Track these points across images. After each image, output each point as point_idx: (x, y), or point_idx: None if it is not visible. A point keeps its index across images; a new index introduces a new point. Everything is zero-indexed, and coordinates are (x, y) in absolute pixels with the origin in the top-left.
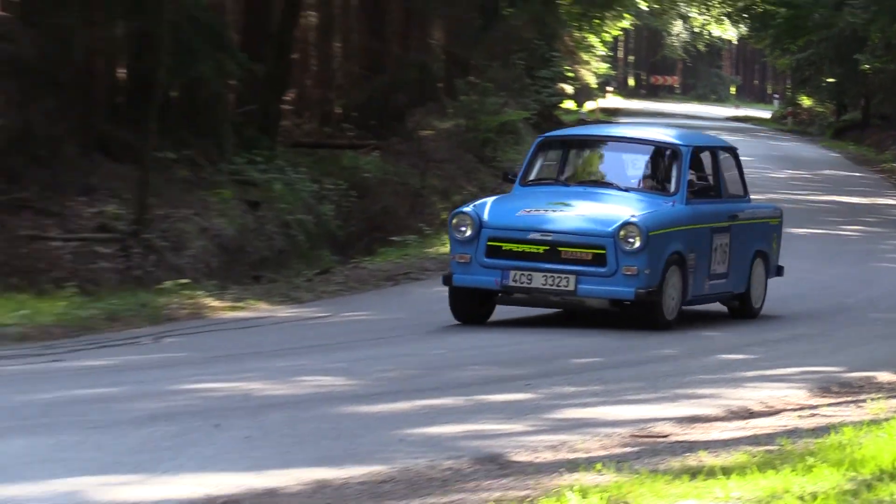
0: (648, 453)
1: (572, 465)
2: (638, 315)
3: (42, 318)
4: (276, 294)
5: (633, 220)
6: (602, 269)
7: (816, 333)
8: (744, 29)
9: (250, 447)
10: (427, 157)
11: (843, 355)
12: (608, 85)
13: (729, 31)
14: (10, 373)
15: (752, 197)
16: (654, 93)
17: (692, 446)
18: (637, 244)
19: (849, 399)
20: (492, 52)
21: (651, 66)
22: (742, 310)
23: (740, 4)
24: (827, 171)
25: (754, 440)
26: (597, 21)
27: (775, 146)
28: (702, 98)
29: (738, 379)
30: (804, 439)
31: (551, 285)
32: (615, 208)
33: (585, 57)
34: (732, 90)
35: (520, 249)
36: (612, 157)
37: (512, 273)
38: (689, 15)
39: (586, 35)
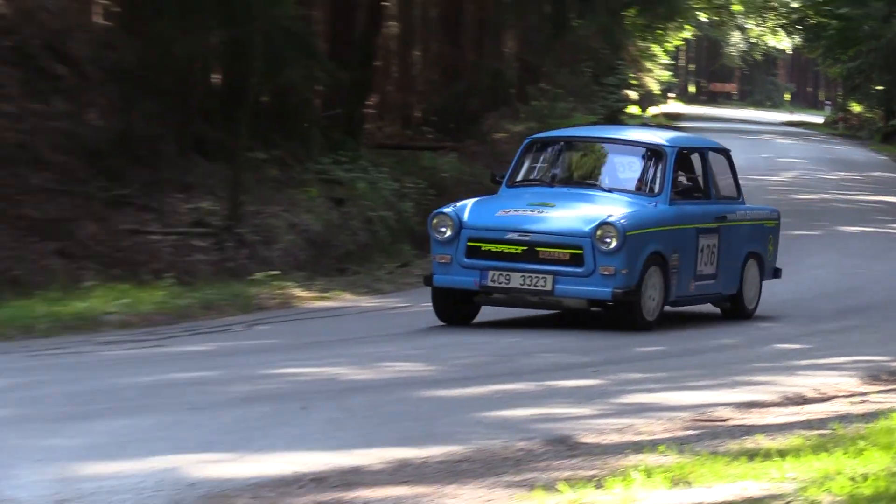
0: (709, 436)
1: (637, 447)
2: (617, 316)
3: (143, 307)
4: (359, 285)
5: (610, 219)
6: (579, 269)
7: (866, 325)
8: (798, 39)
9: (336, 428)
10: (500, 158)
11: (893, 345)
12: (670, 91)
13: (783, 42)
14: (113, 357)
15: (773, 200)
16: (713, 99)
17: (750, 430)
18: (614, 244)
19: None
20: (561, 60)
21: (710, 73)
22: (734, 311)
23: (794, 17)
24: (876, 173)
25: (808, 425)
26: (660, 32)
27: (827, 149)
28: (758, 104)
29: (792, 367)
30: (855, 424)
31: (529, 285)
32: (595, 209)
33: (649, 65)
34: (787, 97)
35: (498, 250)
36: (599, 158)
37: (490, 273)
38: (746, 26)
39: (650, 45)
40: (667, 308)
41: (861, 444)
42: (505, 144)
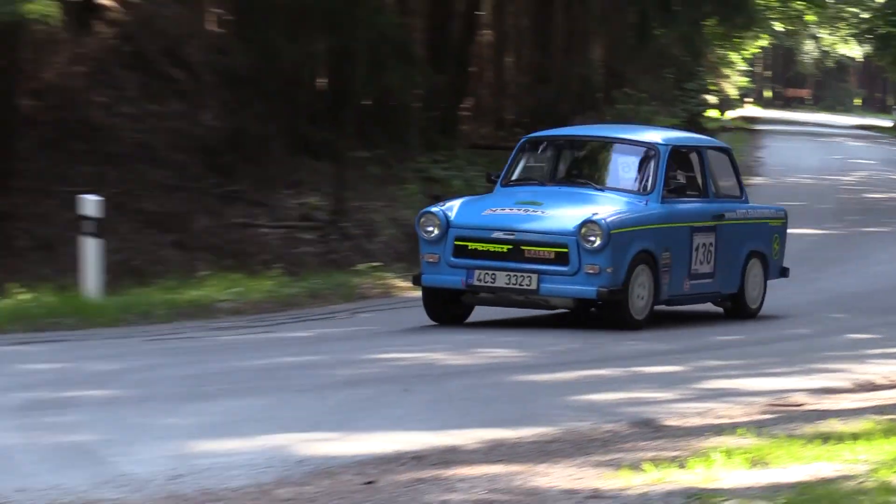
0: (785, 420)
1: (717, 430)
2: (605, 315)
3: (253, 295)
4: None
5: (595, 218)
6: (565, 268)
7: None
8: (868, 48)
9: (434, 409)
10: None
11: None
12: (747, 96)
13: (854, 50)
14: (225, 342)
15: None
16: (787, 104)
17: (823, 414)
18: (598, 242)
19: None
20: (645, 67)
21: (785, 79)
22: (735, 311)
23: (864, 27)
24: None
25: (879, 410)
26: (737, 40)
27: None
28: (830, 108)
29: (864, 356)
30: None
31: (514, 284)
32: (582, 207)
33: (727, 71)
34: (857, 101)
35: (484, 249)
36: (592, 157)
37: (476, 272)
38: (819, 36)
39: (728, 52)
40: (647, 308)
41: None
42: None
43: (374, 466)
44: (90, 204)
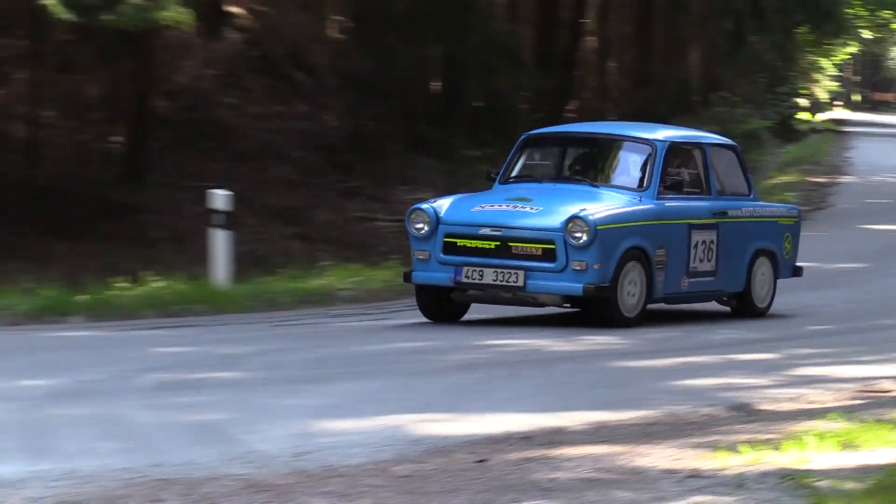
0: (874, 405)
1: (809, 414)
2: (594, 312)
3: (371, 284)
4: None
5: (581, 214)
6: (552, 265)
7: None
8: None
9: (540, 393)
10: None
11: None
12: (836, 100)
13: None
14: (344, 328)
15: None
16: (875, 107)
17: None
18: (584, 238)
19: None
20: (739, 71)
21: (873, 84)
22: (742, 309)
23: None
24: None
25: None
26: (827, 47)
27: None
28: None
29: None
30: None
31: (501, 281)
32: (572, 203)
33: (817, 76)
34: None
35: (473, 245)
36: (590, 154)
37: (465, 269)
38: None
39: (818, 58)
40: (639, 306)
41: None
42: None
43: (484, 446)
44: (219, 198)
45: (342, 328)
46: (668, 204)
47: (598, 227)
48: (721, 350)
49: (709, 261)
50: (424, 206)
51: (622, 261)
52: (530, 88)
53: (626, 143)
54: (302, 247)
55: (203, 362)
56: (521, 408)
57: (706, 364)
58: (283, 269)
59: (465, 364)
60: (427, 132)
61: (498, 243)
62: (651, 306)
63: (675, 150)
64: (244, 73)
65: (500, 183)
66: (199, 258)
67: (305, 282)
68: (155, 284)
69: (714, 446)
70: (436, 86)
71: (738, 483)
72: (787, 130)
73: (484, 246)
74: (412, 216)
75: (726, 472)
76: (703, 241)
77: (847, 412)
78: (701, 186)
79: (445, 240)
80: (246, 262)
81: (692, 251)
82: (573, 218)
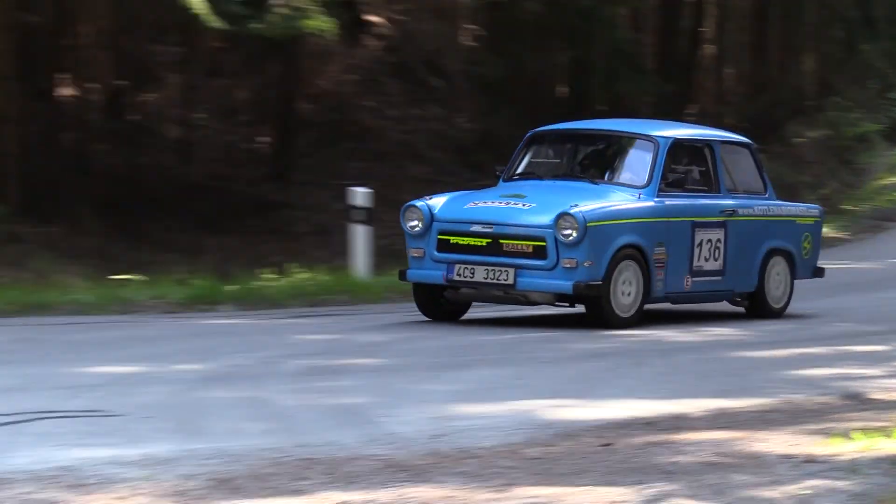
0: None
1: None
2: (587, 311)
3: None
4: None
5: (572, 210)
6: (543, 262)
7: None
8: None
9: (664, 381)
10: (799, 159)
11: None
12: None
13: None
14: (478, 318)
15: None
16: None
17: None
18: (574, 235)
19: None
20: (852, 78)
21: None
22: (755, 310)
23: None
24: None
25: None
26: None
27: None
28: None
29: None
30: None
31: (492, 279)
32: (565, 200)
33: None
34: None
35: (465, 243)
36: (593, 150)
37: (457, 267)
38: None
39: None
40: (635, 306)
41: None
42: (804, 148)
43: (610, 430)
44: (360, 195)
45: (475, 318)
46: (670, 202)
47: (589, 224)
48: (835, 342)
49: (715, 260)
50: (418, 203)
51: (616, 259)
52: (651, 93)
53: (628, 140)
54: None
55: (344, 349)
56: (644, 395)
57: (821, 355)
58: None
59: (593, 353)
60: None
61: (489, 240)
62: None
63: (680, 148)
64: (383, 77)
65: (504, 180)
66: (340, 251)
67: None
68: (299, 276)
69: (828, 433)
70: (562, 90)
71: (852, 468)
72: None
73: (476, 243)
74: (406, 213)
75: (840, 458)
76: (710, 240)
77: None
78: (709, 184)
79: (439, 237)
80: (384, 255)
81: (696, 250)
82: (563, 214)
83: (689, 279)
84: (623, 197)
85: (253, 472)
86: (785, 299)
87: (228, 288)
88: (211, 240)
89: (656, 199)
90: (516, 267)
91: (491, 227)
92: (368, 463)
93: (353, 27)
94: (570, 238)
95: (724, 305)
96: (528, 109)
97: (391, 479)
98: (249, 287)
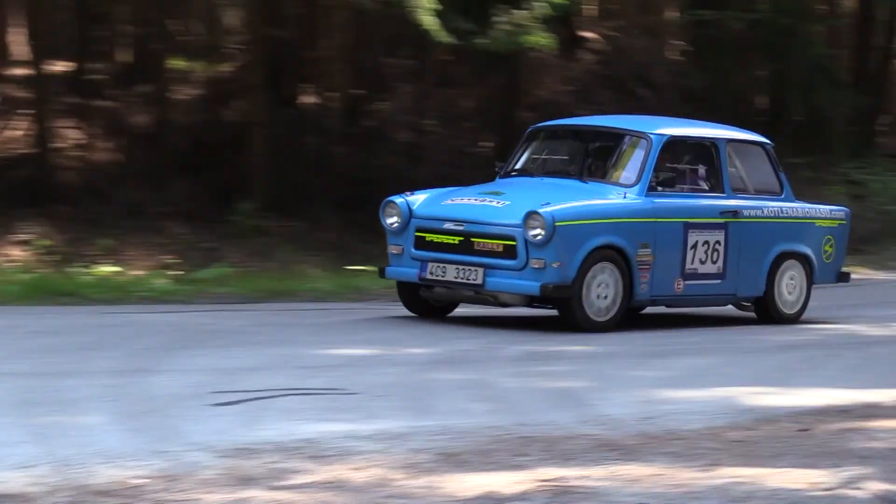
0: None
1: None
2: (560, 314)
3: None
4: (874, 263)
5: (540, 209)
6: (513, 262)
7: None
8: None
9: (857, 372)
10: None
11: None
12: None
13: None
14: (687, 311)
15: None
16: None
17: None
18: (541, 235)
19: None
20: None
21: None
22: (764, 316)
23: None
24: None
25: None
26: None
27: None
28: None
29: None
30: None
31: (462, 278)
32: (541, 198)
33: None
34: None
35: (439, 240)
36: (587, 147)
37: (430, 265)
38: None
39: None
40: (614, 309)
41: None
42: None
43: (808, 416)
44: None
45: (687, 311)
46: (660, 201)
47: (558, 224)
48: None
49: (713, 262)
50: (397, 199)
51: (589, 260)
52: (847, 105)
53: (622, 137)
54: None
55: (559, 337)
56: (840, 384)
57: None
58: None
59: (790, 345)
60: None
61: (461, 239)
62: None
63: (677, 146)
64: (596, 89)
65: (500, 177)
66: None
67: None
68: None
69: None
70: (762, 102)
71: None
72: None
73: (449, 241)
74: (385, 209)
75: None
76: (706, 242)
77: None
78: (711, 184)
79: (416, 234)
80: None
81: (689, 252)
82: (531, 213)
83: (681, 282)
84: (607, 196)
85: (477, 448)
86: (800, 304)
87: None
88: None
89: (645, 199)
90: (486, 266)
91: (463, 225)
92: (582, 442)
93: (570, 42)
94: (538, 238)
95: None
96: (729, 119)
97: (604, 457)
98: None
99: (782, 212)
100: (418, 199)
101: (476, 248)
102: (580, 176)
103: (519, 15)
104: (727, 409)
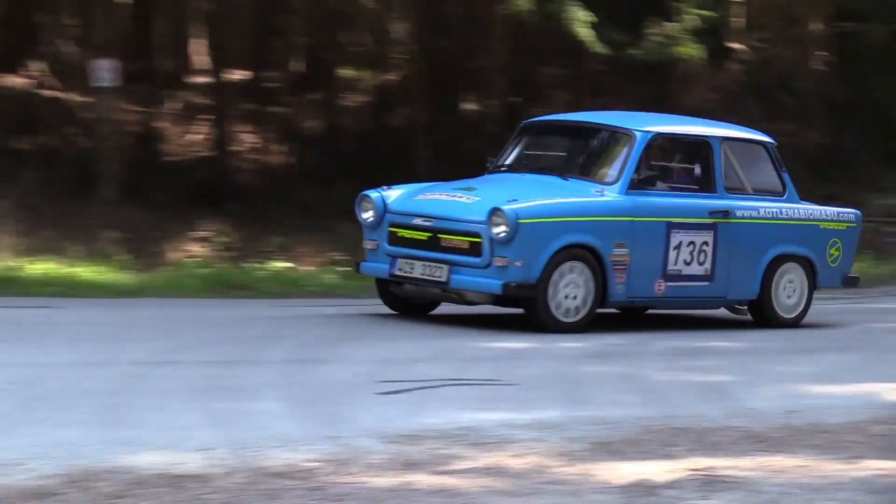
0: None
1: None
2: (526, 314)
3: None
4: None
5: (504, 206)
6: (478, 260)
7: None
8: None
9: None
10: None
11: None
12: None
13: None
14: (825, 309)
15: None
16: None
17: None
18: (504, 232)
19: None
20: None
21: None
22: (759, 319)
23: None
24: None
25: None
26: None
27: None
28: None
29: None
30: None
31: (428, 275)
32: (510, 195)
33: None
34: None
35: (409, 236)
36: (572, 143)
37: (399, 261)
38: None
39: None
40: (585, 310)
41: None
42: None
43: None
44: None
45: (824, 309)
46: (641, 199)
47: (521, 221)
48: None
49: (700, 264)
50: (372, 193)
51: (556, 259)
52: None
53: (609, 134)
54: None
55: (706, 334)
56: None
57: None
58: None
59: None
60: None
61: (429, 234)
62: None
63: (665, 144)
64: (742, 97)
65: (489, 173)
66: None
67: None
68: None
69: None
70: None
71: None
72: None
73: (417, 237)
74: (361, 204)
75: None
76: (692, 242)
77: None
78: (702, 183)
79: (389, 229)
80: None
81: (672, 252)
82: (495, 210)
83: (662, 283)
84: (584, 193)
85: (628, 438)
86: (800, 308)
87: None
88: None
89: (626, 196)
90: (451, 263)
91: (431, 221)
92: (730, 433)
93: (718, 53)
94: (502, 235)
95: None
96: (872, 129)
97: (751, 448)
98: None
99: (781, 213)
100: (393, 193)
101: (443, 244)
102: (562, 173)
103: (670, 27)
104: (871, 403)
